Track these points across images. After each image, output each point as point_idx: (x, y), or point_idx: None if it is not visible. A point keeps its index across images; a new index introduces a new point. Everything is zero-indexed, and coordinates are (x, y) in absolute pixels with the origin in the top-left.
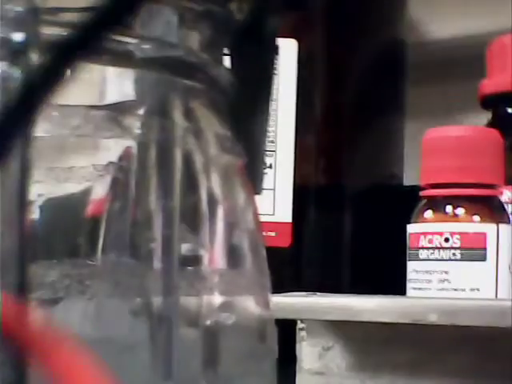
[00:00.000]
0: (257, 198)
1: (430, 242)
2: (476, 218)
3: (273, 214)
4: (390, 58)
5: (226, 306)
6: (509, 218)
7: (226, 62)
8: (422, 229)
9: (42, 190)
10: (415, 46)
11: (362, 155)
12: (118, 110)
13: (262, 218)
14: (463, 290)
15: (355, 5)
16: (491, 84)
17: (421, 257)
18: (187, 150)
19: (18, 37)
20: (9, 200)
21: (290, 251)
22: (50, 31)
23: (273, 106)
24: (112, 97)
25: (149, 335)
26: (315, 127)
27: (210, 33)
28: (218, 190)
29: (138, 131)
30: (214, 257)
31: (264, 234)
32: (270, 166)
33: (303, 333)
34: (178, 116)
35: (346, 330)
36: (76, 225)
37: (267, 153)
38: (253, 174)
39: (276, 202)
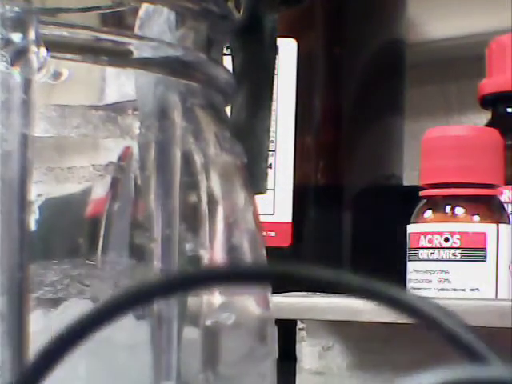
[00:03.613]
0: (257, 198)
1: (430, 241)
2: (476, 217)
3: (273, 214)
4: (390, 58)
5: (226, 306)
6: (509, 217)
7: (226, 61)
8: (422, 229)
9: (41, 190)
10: (415, 46)
11: (362, 155)
12: (117, 110)
13: (262, 218)
14: (463, 290)
15: (355, 5)
16: (491, 84)
17: (421, 257)
18: (187, 149)
19: (17, 37)
20: (9, 200)
21: (289, 251)
22: (50, 31)
23: (273, 105)
24: (112, 97)
25: (149, 335)
26: (315, 127)
27: (209, 32)
28: (217, 189)
29: (137, 131)
30: (214, 257)
31: (264, 233)
32: (270, 166)
33: (303, 333)
34: (177, 116)
35: (346, 330)
36: (76, 225)
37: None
38: (256, 173)
39: (276, 202)
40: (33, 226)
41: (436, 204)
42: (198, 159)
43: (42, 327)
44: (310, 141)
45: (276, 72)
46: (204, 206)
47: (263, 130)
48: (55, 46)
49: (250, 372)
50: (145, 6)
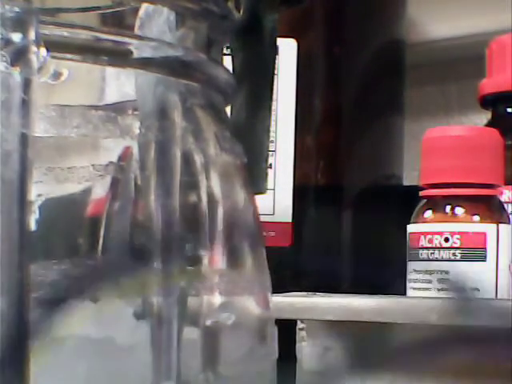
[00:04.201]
0: (257, 197)
1: (430, 241)
2: (476, 217)
3: (273, 214)
4: (390, 58)
5: (225, 306)
6: (509, 217)
7: (226, 61)
8: (422, 229)
9: (41, 190)
10: (415, 46)
11: (362, 155)
12: (117, 110)
13: (262, 218)
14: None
15: (355, 5)
16: (491, 84)
17: (421, 257)
18: (187, 149)
19: (17, 37)
20: (9, 200)
21: (289, 251)
22: (50, 31)
23: (273, 105)
24: (112, 97)
25: (149, 335)
26: (315, 127)
27: (209, 32)
28: (217, 189)
29: (137, 131)
30: (214, 257)
31: (264, 233)
32: (270, 166)
33: (303, 333)
34: (177, 116)
35: (346, 330)
36: (76, 225)
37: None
38: (256, 173)
39: (276, 202)
40: (33, 226)
41: (436, 204)
42: (198, 159)
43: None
44: (309, 141)
45: (276, 72)
46: (204, 206)
47: (263, 130)
48: (55, 46)
49: (250, 372)
50: (145, 6)
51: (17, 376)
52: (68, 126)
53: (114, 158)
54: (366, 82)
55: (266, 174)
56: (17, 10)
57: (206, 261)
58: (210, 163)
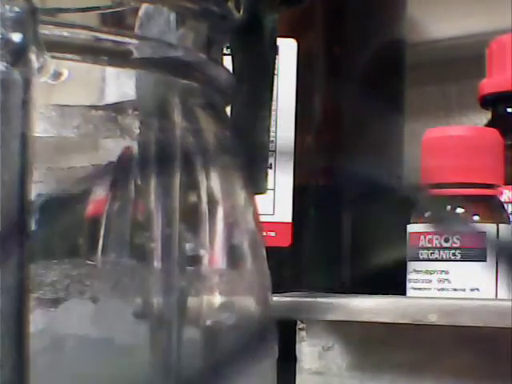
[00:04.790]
0: (257, 198)
1: (430, 241)
2: (476, 217)
3: (273, 214)
4: (390, 58)
5: (225, 306)
6: (509, 217)
7: (226, 61)
8: (422, 229)
9: (41, 190)
10: (415, 46)
11: (362, 155)
12: (117, 110)
13: (262, 218)
14: (463, 290)
15: (355, 5)
16: (491, 84)
17: (421, 257)
18: (187, 149)
19: (17, 37)
20: (9, 200)
21: (289, 251)
22: (50, 31)
23: (273, 105)
24: (112, 97)
25: (149, 335)
26: (315, 127)
27: (209, 32)
28: (217, 189)
29: (137, 131)
30: (214, 257)
31: (264, 233)
32: (270, 166)
33: (303, 333)
34: (177, 116)
35: (346, 330)
36: (76, 225)
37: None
38: (256, 173)
39: (276, 202)
40: (33, 226)
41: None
42: (198, 159)
43: (42, 327)
44: (310, 141)
45: (276, 72)
46: (204, 206)
47: (263, 130)
48: (55, 46)
49: (250, 372)
50: (145, 6)
51: (17, 376)
52: (68, 126)
53: (115, 158)
54: (366, 82)
55: (266, 174)
56: (17, 9)
57: (205, 261)
58: (210, 163)
